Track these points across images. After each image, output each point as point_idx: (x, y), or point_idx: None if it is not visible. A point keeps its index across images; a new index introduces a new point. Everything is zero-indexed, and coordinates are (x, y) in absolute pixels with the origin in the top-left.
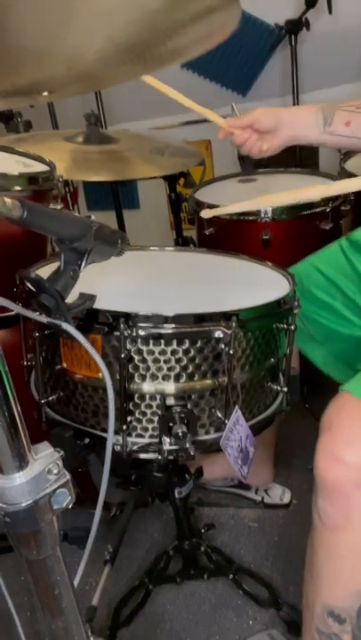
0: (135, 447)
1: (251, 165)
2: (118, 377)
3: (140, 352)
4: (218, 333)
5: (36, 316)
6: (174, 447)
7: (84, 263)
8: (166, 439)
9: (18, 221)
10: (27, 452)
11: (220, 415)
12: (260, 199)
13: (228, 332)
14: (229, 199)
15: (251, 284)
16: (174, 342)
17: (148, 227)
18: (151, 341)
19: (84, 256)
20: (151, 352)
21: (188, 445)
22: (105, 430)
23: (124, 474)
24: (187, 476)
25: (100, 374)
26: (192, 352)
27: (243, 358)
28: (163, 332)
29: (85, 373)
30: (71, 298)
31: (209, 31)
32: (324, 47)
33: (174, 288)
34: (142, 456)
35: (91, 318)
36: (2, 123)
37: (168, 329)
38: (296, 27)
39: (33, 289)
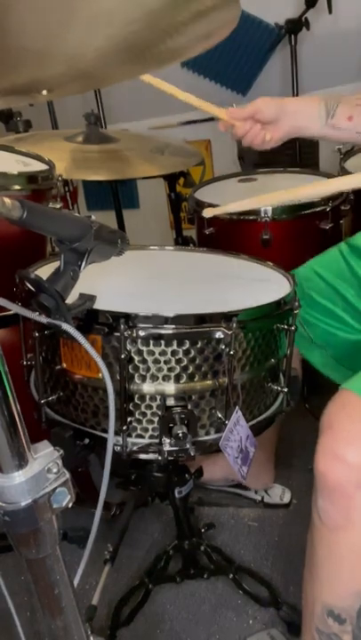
0: (135, 448)
1: (251, 165)
2: (118, 377)
3: (140, 352)
4: (218, 334)
5: (35, 316)
6: (174, 448)
7: (84, 263)
8: (166, 440)
9: (18, 222)
10: (26, 451)
11: (220, 416)
12: (263, 197)
13: (229, 332)
14: (229, 199)
15: (251, 284)
16: (174, 343)
17: (147, 226)
18: (151, 342)
19: (83, 256)
20: (151, 352)
21: (188, 446)
22: (105, 431)
23: (124, 474)
24: (187, 475)
25: (100, 375)
26: (192, 353)
27: (243, 359)
28: (163, 332)
29: (85, 374)
30: (71, 298)
31: (209, 30)
32: (324, 47)
33: (174, 288)
34: (142, 457)
35: (91, 319)
36: (1, 122)
37: (168, 329)
38: (296, 26)
39: (32, 289)
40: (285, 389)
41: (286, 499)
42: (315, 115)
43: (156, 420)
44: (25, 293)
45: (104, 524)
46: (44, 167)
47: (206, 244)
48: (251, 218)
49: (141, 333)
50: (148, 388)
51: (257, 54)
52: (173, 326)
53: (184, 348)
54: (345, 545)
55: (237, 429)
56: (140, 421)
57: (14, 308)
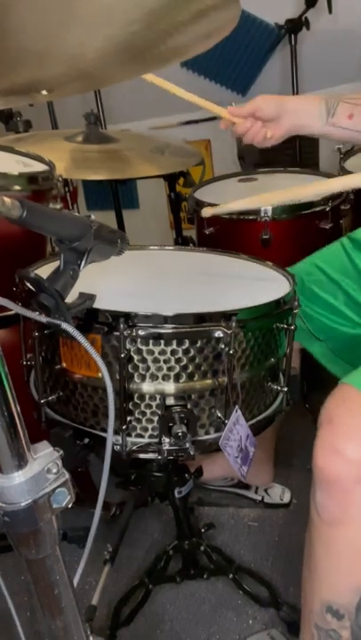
0: (135, 447)
1: (251, 165)
2: (118, 377)
3: (139, 352)
4: (218, 333)
5: (35, 315)
6: (174, 447)
7: (83, 263)
8: (166, 439)
9: (17, 221)
10: (26, 451)
11: (219, 415)
12: (263, 196)
13: (228, 331)
14: (229, 198)
15: (251, 284)
16: (174, 342)
17: (147, 226)
18: (151, 341)
19: (83, 256)
20: (151, 352)
21: (187, 445)
22: (104, 430)
23: (124, 473)
24: (186, 475)
25: (100, 374)
26: (192, 352)
27: (243, 358)
28: (162, 331)
29: (85, 373)
30: (71, 297)
31: (209, 30)
32: (324, 47)
33: (174, 288)
34: (142, 456)
35: (90, 318)
36: (1, 122)
37: (168, 329)
38: (296, 26)
39: (32, 288)
40: (285, 389)
41: (286, 498)
42: (315, 113)
43: (155, 419)
44: (25, 293)
45: (104, 524)
46: (44, 168)
47: (206, 244)
48: (251, 218)
49: (141, 333)
50: (147, 387)
51: (257, 54)
52: (173, 325)
53: (184, 347)
54: (343, 540)
55: (237, 429)
56: (139, 421)
57: (14, 308)
